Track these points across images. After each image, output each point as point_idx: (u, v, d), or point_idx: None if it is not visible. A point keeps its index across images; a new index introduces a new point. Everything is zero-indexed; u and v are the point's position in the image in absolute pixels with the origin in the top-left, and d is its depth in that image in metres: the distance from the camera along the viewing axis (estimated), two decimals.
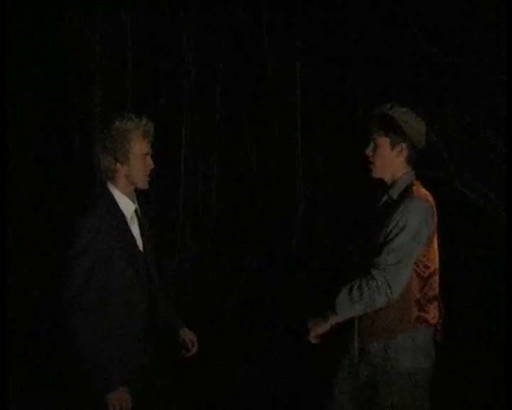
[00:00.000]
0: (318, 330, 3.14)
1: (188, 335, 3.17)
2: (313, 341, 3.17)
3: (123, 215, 2.96)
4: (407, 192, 3.12)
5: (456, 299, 6.42)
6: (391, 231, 3.05)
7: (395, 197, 3.14)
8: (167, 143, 8.49)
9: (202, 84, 8.90)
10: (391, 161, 3.17)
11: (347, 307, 3.06)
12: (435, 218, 3.15)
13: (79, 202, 8.27)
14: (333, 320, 3.11)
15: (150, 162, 3.00)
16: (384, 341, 3.10)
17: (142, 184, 3.01)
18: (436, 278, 3.17)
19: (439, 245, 3.20)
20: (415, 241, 3.05)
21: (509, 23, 4.86)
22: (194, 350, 3.16)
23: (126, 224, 2.95)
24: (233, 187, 9.01)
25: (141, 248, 3.00)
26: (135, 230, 3.00)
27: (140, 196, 3.12)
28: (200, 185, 9.06)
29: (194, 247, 8.68)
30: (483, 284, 6.47)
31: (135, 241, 2.98)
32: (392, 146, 3.16)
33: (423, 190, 3.17)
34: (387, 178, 3.20)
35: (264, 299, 7.16)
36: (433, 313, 3.14)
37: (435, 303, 3.16)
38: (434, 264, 3.15)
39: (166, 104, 8.60)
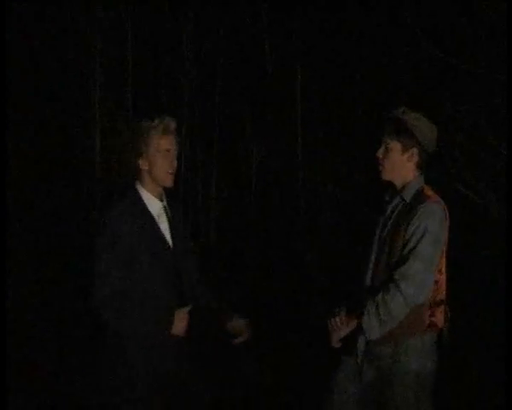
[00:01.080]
0: (341, 333, 3.11)
1: (237, 324, 3.13)
2: (336, 345, 3.15)
3: (149, 212, 2.97)
4: (420, 196, 3.11)
5: (456, 299, 6.43)
6: (411, 236, 3.03)
7: (408, 200, 3.14)
8: None
9: (202, 84, 8.90)
10: (401, 165, 3.15)
11: (378, 329, 3.03)
12: (448, 221, 3.15)
13: (79, 200, 8.30)
14: (354, 324, 3.09)
15: (173, 159, 2.98)
16: (395, 343, 3.09)
17: (166, 181, 2.99)
18: (444, 280, 3.17)
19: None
20: (435, 245, 3.03)
21: (509, 23, 4.86)
22: (244, 338, 3.13)
23: (153, 220, 2.97)
24: (233, 187, 9.01)
25: (170, 245, 3.01)
26: (163, 227, 3.04)
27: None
28: (200, 185, 9.06)
29: (194, 246, 8.68)
30: (483, 283, 6.47)
31: (162, 237, 2.99)
32: (404, 150, 3.15)
33: (435, 194, 3.17)
34: (398, 181, 3.19)
35: (264, 298, 7.16)
36: (440, 317, 3.13)
37: (442, 307, 3.15)
38: (444, 269, 3.16)
39: (166, 104, 8.60)
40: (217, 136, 9.12)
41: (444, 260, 3.18)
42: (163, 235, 3.02)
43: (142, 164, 2.99)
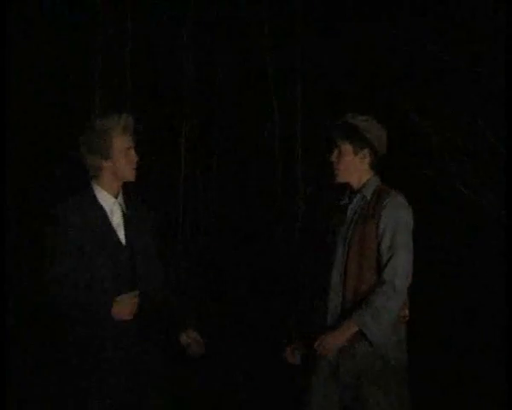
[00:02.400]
0: (338, 344, 3.12)
1: (190, 336, 3.14)
2: (330, 354, 3.14)
3: (99, 206, 3.02)
4: (381, 191, 3.26)
5: (456, 299, 6.43)
6: (385, 230, 3.14)
7: (369, 197, 3.25)
8: (167, 143, 8.50)
9: (202, 84, 8.91)
10: (355, 166, 3.29)
11: (382, 334, 3.07)
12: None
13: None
14: (352, 331, 3.10)
15: (134, 155, 3.08)
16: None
17: (129, 176, 3.08)
18: None
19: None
20: (410, 234, 3.17)
21: (509, 23, 4.87)
22: (196, 351, 3.14)
23: (103, 214, 3.01)
24: (232, 187, 9.01)
25: (122, 241, 3.03)
26: (116, 222, 3.04)
27: (135, 195, 3.16)
28: (200, 185, 9.06)
29: (194, 246, 8.68)
30: (483, 284, 6.47)
31: (112, 231, 3.02)
32: (356, 152, 3.29)
33: (394, 189, 3.30)
34: (354, 182, 3.34)
35: (263, 298, 7.16)
36: (406, 308, 3.24)
37: (407, 298, 3.24)
38: None
39: (166, 104, 8.61)
40: (217, 135, 9.11)
41: None
42: (113, 229, 3.07)
43: (105, 164, 3.06)
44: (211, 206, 9.06)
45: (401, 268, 3.07)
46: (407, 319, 3.22)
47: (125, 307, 2.89)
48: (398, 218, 3.13)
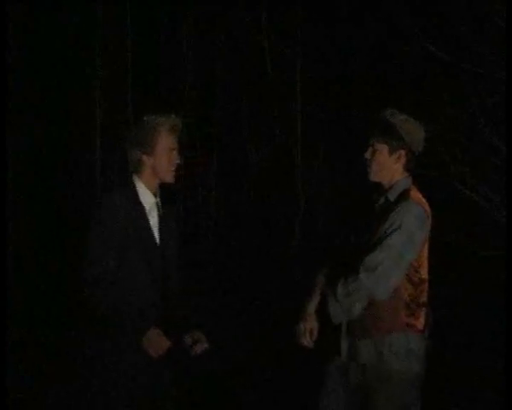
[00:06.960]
0: (309, 327, 3.06)
1: (194, 337, 3.14)
2: (309, 344, 3.09)
3: (141, 204, 3.03)
4: (404, 195, 3.11)
5: (455, 299, 6.44)
6: (385, 231, 3.03)
7: (392, 200, 3.13)
8: None
9: (202, 84, 8.92)
10: (388, 167, 3.16)
11: (340, 314, 3.02)
12: (429, 225, 3.13)
13: (79, 202, 8.33)
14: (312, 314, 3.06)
15: (176, 157, 3.07)
16: (376, 338, 3.07)
17: (168, 177, 3.08)
18: (426, 286, 3.13)
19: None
20: (409, 243, 3.01)
21: (508, 23, 4.86)
22: (200, 351, 3.14)
23: (143, 213, 3.03)
24: (233, 187, 9.02)
25: (157, 241, 3.05)
26: (153, 222, 3.06)
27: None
28: (199, 186, 9.07)
29: (195, 246, 8.69)
30: (483, 284, 6.47)
31: (151, 232, 3.04)
32: (391, 152, 3.15)
33: (420, 196, 3.16)
34: (385, 181, 3.19)
35: (264, 298, 7.16)
36: (421, 319, 3.13)
37: (424, 310, 3.13)
38: (425, 272, 3.12)
39: (166, 103, 8.62)
40: (216, 136, 9.12)
41: (425, 264, 3.16)
42: (151, 229, 3.09)
43: (147, 159, 3.06)
44: (210, 205, 9.06)
45: (374, 267, 2.96)
46: (422, 329, 3.10)
47: (153, 344, 2.86)
48: (400, 223, 3.00)
